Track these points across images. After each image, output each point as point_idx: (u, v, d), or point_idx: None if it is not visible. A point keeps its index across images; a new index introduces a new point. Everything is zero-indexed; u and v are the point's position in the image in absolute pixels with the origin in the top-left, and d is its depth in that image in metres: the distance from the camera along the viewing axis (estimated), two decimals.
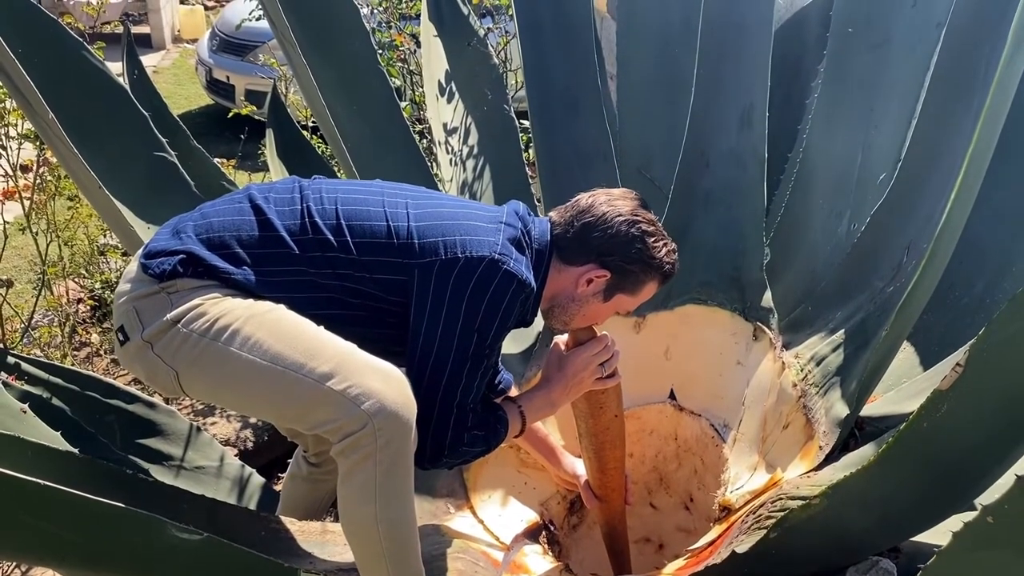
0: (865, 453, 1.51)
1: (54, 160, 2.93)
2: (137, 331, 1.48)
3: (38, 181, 2.99)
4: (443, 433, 1.51)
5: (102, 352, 3.34)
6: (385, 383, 1.39)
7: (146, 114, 2.20)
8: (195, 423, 2.37)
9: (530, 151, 2.75)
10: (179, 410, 2.71)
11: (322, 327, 1.48)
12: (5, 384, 1.92)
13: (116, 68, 2.33)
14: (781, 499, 1.57)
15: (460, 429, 1.53)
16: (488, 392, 1.81)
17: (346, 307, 1.52)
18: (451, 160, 2.87)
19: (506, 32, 3.69)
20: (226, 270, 1.47)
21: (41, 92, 1.93)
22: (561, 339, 1.77)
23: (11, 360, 2.26)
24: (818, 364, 1.83)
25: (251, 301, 1.47)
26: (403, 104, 2.99)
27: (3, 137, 2.80)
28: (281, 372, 1.40)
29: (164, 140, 2.23)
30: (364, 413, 1.37)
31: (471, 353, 1.48)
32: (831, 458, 1.73)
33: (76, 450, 1.70)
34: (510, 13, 3.03)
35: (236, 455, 2.54)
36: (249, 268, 1.48)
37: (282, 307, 1.48)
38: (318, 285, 1.50)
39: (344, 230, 1.50)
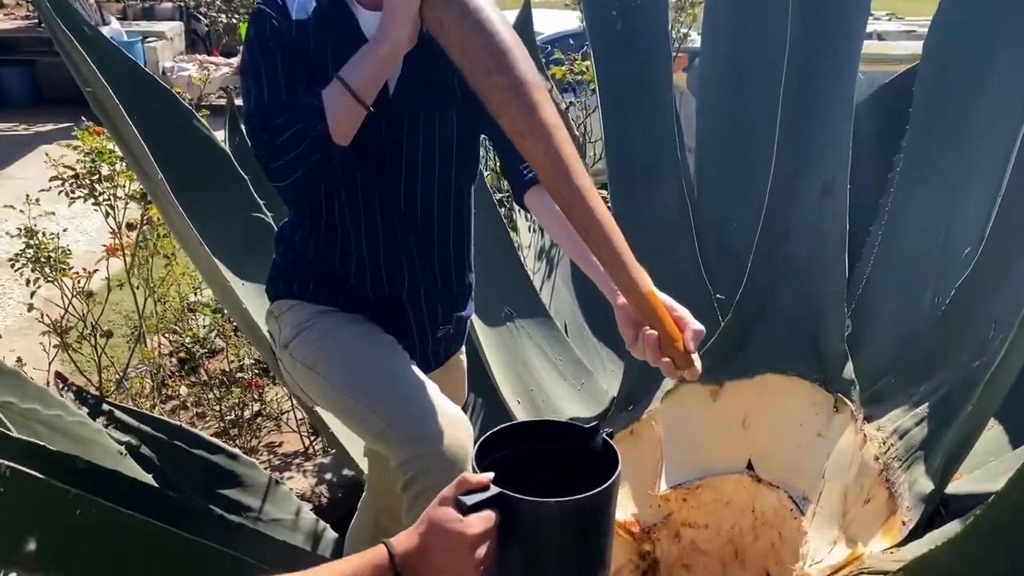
0: (951, 529, 1.47)
1: (156, 218, 3.10)
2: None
3: (140, 239, 3.16)
4: (262, 147, 1.48)
5: (188, 404, 3.46)
6: (441, 427, 1.44)
7: (246, 177, 2.33)
8: (274, 477, 2.44)
9: None
10: (258, 461, 2.79)
11: (389, 353, 1.58)
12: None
13: (218, 136, 2.48)
14: (862, 573, 1.54)
15: (266, 135, 1.46)
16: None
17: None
18: (530, 227, 2.94)
19: (586, 107, 3.80)
20: (283, 265, 1.70)
21: (153, 155, 2.07)
22: None
23: (105, 407, 2.37)
24: (901, 437, 1.80)
25: (326, 322, 1.61)
26: (486, 173, 3.09)
27: (112, 197, 2.98)
28: (356, 407, 1.52)
29: (261, 202, 2.35)
30: (416, 456, 1.43)
31: (250, 63, 1.49)
32: (915, 536, 1.68)
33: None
34: (592, 87, 3.13)
35: (311, 509, 2.58)
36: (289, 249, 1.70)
37: (359, 331, 1.61)
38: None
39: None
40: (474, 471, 1.17)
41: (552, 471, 1.23)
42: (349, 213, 1.60)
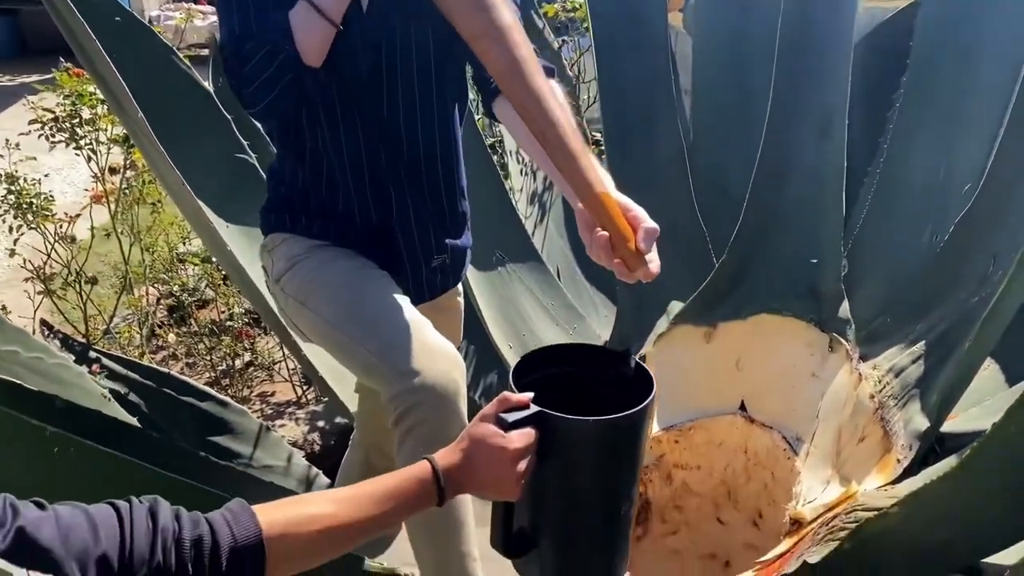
0: (946, 464, 1.45)
1: (140, 164, 3.04)
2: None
3: (124, 185, 3.11)
4: (234, 74, 1.46)
5: (179, 355, 3.43)
6: (431, 361, 1.41)
7: (229, 117, 2.27)
8: (265, 424, 2.42)
9: (602, 163, 2.74)
10: (250, 410, 2.77)
11: (382, 288, 1.54)
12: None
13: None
14: (856, 510, 1.52)
15: (237, 61, 1.45)
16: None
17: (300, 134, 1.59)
18: (522, 170, 2.88)
19: (579, 46, 3.71)
20: (275, 198, 1.67)
21: (133, 95, 2.01)
22: None
23: (92, 355, 2.34)
24: (897, 376, 1.78)
25: (319, 256, 1.58)
26: (477, 117, 3.03)
27: (94, 141, 2.92)
28: (348, 342, 1.49)
29: (246, 143, 2.30)
30: (407, 390, 1.39)
31: (222, 2, 1.47)
32: (909, 474, 1.67)
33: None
34: (585, 26, 3.06)
35: (303, 456, 2.57)
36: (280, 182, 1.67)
37: (351, 265, 1.58)
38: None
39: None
40: (511, 391, 1.19)
41: (584, 394, 1.26)
42: (331, 140, 1.56)
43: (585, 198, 1.29)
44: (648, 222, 1.30)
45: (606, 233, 1.28)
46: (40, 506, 0.84)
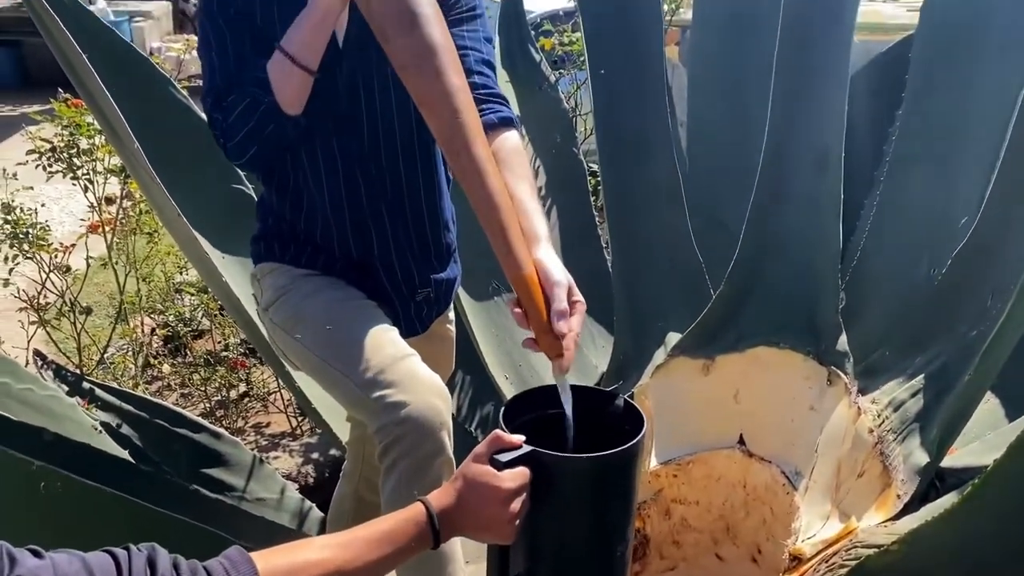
0: (947, 501, 1.43)
1: (137, 194, 3.04)
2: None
3: (120, 216, 3.10)
4: (217, 126, 1.48)
5: (173, 385, 3.41)
6: (416, 393, 1.40)
7: None
8: (259, 456, 2.39)
9: (599, 195, 2.75)
10: (244, 441, 2.74)
11: (367, 319, 1.53)
12: None
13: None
14: (856, 547, 1.50)
15: (220, 113, 1.47)
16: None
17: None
18: None
19: (576, 80, 3.74)
20: (263, 228, 1.67)
21: (129, 124, 2.01)
22: None
23: (86, 386, 2.32)
24: (896, 410, 1.76)
25: (305, 287, 1.58)
26: None
27: (91, 172, 2.92)
28: (334, 374, 1.49)
29: (242, 174, 2.30)
30: (391, 422, 1.38)
31: (202, 42, 1.49)
32: (909, 510, 1.65)
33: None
34: (582, 60, 3.07)
35: (297, 489, 2.54)
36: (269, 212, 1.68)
37: (337, 296, 1.58)
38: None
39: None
40: (503, 430, 1.18)
41: (574, 436, 1.26)
42: (312, 178, 1.57)
43: (509, 275, 1.30)
44: (559, 303, 1.28)
45: (520, 311, 1.30)
46: (37, 554, 0.83)
